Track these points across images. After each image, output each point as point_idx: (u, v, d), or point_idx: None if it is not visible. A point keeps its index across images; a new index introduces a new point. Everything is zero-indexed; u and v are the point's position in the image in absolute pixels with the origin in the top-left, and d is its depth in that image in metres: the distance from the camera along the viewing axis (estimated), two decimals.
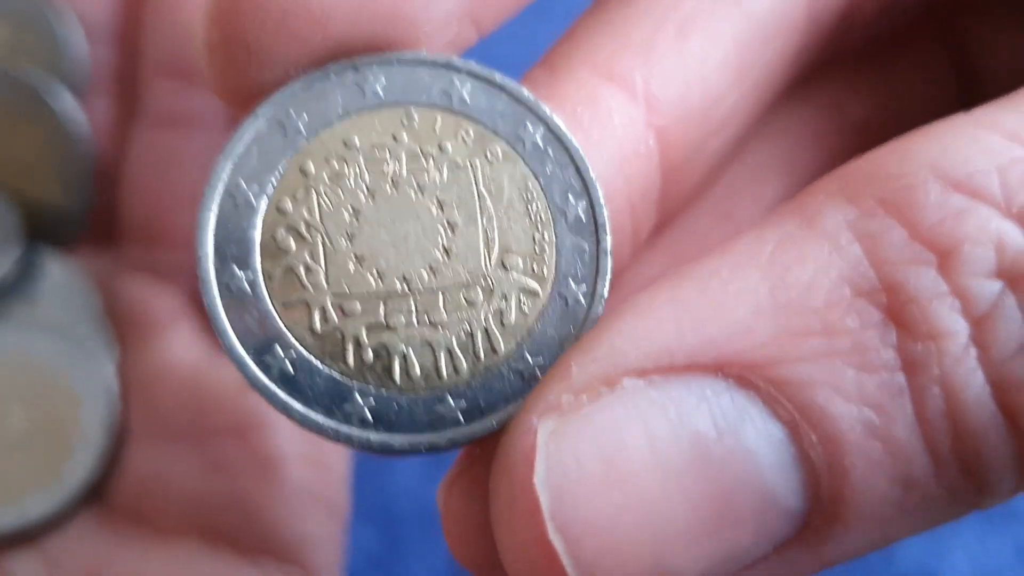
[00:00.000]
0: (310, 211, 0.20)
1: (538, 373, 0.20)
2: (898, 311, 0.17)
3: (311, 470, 0.31)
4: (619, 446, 0.17)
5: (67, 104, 0.35)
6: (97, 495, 0.31)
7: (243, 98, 0.21)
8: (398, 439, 0.20)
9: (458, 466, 0.21)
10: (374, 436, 0.20)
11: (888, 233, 0.18)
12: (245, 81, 0.20)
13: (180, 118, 0.35)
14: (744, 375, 0.18)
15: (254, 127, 0.20)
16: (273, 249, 0.20)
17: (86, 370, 0.32)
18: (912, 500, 0.18)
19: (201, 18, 0.20)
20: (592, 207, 0.21)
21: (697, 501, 0.17)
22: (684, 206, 0.26)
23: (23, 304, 0.33)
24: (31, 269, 0.34)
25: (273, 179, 0.20)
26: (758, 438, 0.17)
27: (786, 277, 0.18)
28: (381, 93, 0.21)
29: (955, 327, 0.17)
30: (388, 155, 0.21)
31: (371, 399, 0.20)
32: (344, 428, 0.19)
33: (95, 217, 0.35)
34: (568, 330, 0.20)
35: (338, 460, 0.32)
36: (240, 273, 0.20)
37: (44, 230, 0.35)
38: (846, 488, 0.17)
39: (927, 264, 0.18)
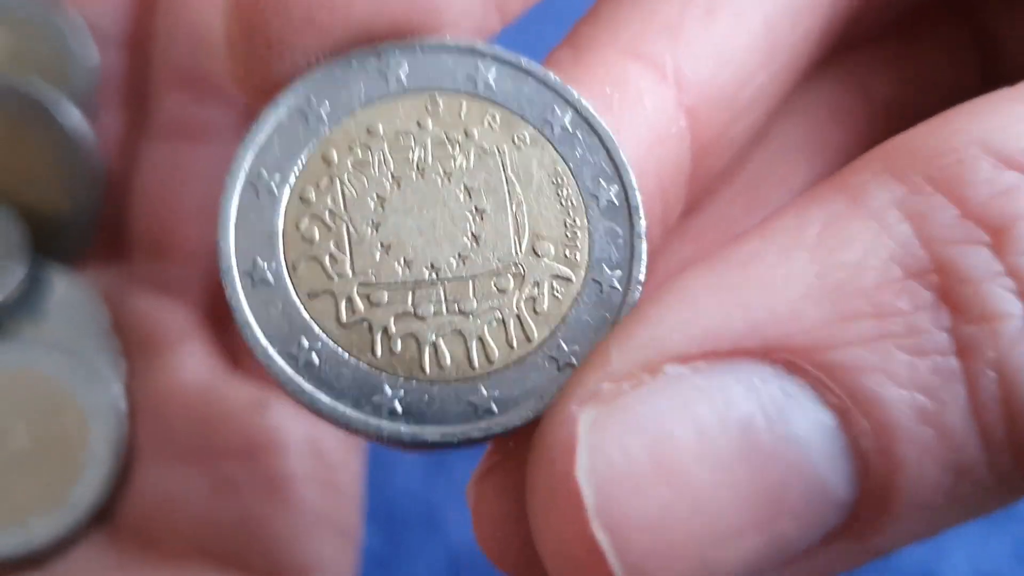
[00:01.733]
0: (334, 200, 0.20)
1: (574, 361, 0.19)
2: (951, 292, 0.17)
3: (323, 493, 0.30)
4: (666, 437, 0.17)
5: (74, 117, 0.34)
6: (104, 517, 0.30)
7: (265, 90, 0.20)
8: (430, 431, 0.19)
9: (488, 461, 0.20)
10: (404, 428, 0.19)
11: (938, 211, 0.17)
12: (267, 72, 0.20)
13: (191, 130, 0.34)
14: (792, 360, 0.17)
15: (275, 116, 0.20)
16: (297, 239, 0.20)
17: (93, 389, 0.31)
18: (963, 488, 0.17)
19: (222, 10, 0.20)
20: (625, 191, 0.20)
21: (747, 493, 0.17)
22: (711, 189, 0.26)
23: (29, 321, 0.33)
24: (38, 285, 0.33)
25: (296, 168, 0.20)
26: (808, 426, 0.17)
27: (834, 258, 0.17)
28: (404, 80, 0.21)
29: (1010, 308, 0.17)
30: (413, 142, 0.20)
31: (401, 390, 0.19)
32: (373, 421, 0.19)
33: (103, 231, 0.35)
34: (604, 316, 0.20)
35: (351, 483, 0.31)
36: (263, 264, 0.19)
37: (51, 246, 0.34)
38: (897, 476, 0.17)
39: (980, 243, 0.17)
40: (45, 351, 0.32)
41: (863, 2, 0.25)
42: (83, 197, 0.34)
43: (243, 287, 0.19)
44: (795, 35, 0.24)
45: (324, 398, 0.19)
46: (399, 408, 0.19)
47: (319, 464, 0.31)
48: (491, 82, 0.21)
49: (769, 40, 0.23)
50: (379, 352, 0.19)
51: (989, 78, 0.28)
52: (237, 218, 0.19)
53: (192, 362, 0.32)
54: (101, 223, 0.35)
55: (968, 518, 0.18)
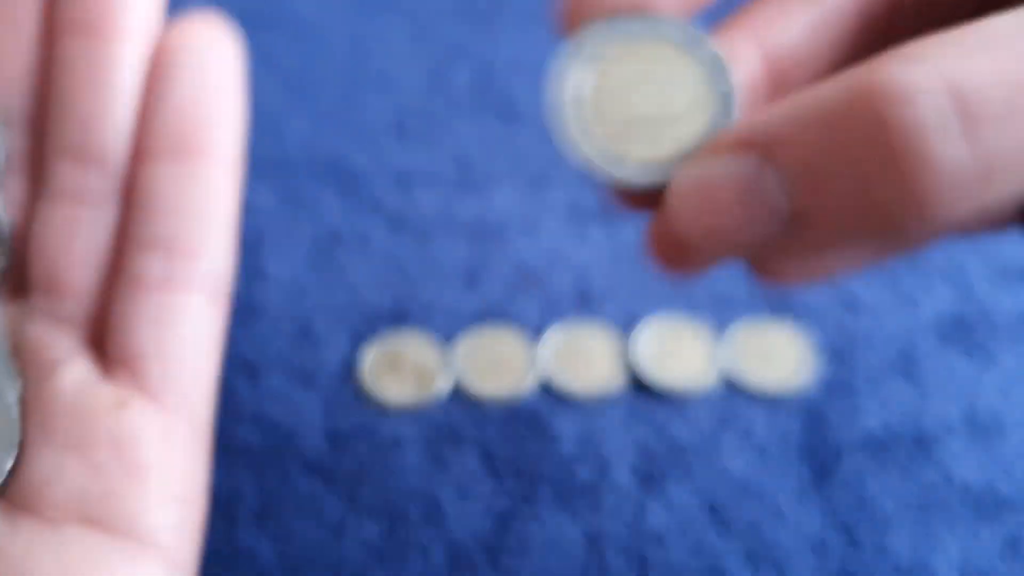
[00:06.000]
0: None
1: None
2: None
3: (171, 474, 0.39)
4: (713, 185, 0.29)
5: None
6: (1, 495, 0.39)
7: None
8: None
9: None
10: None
11: None
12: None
13: (78, 194, 0.43)
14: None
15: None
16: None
17: None
18: None
19: None
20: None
21: None
22: None
23: None
24: None
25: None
26: None
27: None
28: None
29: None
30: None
31: None
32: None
33: (8, 277, 0.43)
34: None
35: (198, 469, 0.40)
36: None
37: None
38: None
39: None
40: None
41: None
42: None
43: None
44: None
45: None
46: None
47: (171, 453, 0.39)
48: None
49: None
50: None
51: None
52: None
53: (74, 375, 0.40)
54: (8, 270, 0.44)
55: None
